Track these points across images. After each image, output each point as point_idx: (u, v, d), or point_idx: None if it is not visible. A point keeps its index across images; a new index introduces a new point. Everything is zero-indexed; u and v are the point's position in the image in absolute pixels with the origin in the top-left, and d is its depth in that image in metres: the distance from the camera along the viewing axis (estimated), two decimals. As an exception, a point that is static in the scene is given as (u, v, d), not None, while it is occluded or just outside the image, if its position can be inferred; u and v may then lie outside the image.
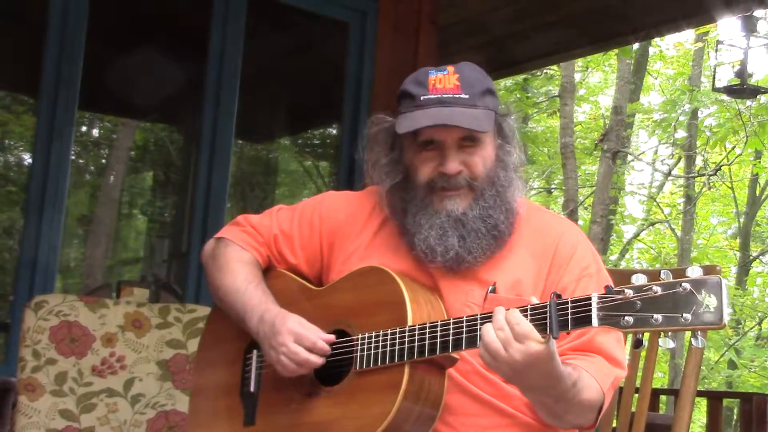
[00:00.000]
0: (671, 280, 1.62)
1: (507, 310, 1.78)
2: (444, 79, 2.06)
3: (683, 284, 1.60)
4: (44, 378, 2.87)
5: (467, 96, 2.04)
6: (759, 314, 16.86)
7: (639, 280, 1.65)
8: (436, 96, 2.04)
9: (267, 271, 2.26)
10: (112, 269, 7.82)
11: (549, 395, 1.84)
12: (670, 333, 1.64)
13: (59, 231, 4.47)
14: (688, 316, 1.59)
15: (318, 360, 2.01)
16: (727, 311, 1.58)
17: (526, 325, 1.74)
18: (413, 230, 2.05)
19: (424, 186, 2.06)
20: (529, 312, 1.76)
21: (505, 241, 2.06)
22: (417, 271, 2.08)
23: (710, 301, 1.58)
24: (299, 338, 2.01)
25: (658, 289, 1.62)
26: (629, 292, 1.65)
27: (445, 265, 2.04)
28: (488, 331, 1.77)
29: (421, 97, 2.05)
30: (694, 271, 1.61)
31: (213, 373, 2.26)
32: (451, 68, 2.08)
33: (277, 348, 2.03)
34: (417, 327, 1.91)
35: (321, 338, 2.01)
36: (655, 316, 1.61)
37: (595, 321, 1.68)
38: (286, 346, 2.01)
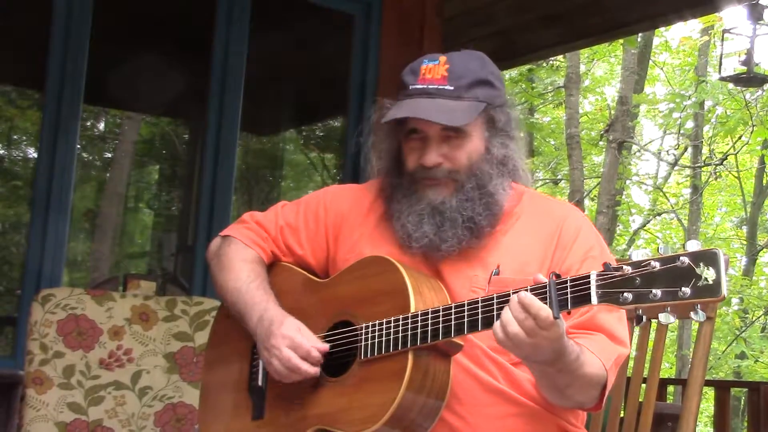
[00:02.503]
0: (669, 254, 1.61)
1: (515, 292, 1.77)
2: (433, 70, 2.08)
3: (681, 258, 1.59)
4: (52, 371, 2.88)
5: (452, 88, 2.05)
6: (766, 304, 16.83)
7: (638, 256, 1.65)
8: (422, 86, 2.07)
9: (272, 265, 2.26)
10: (119, 263, 7.83)
11: (552, 364, 1.83)
12: (669, 308, 1.63)
13: (65, 225, 4.48)
14: (686, 289, 1.58)
15: (310, 369, 2.00)
16: (725, 283, 1.57)
17: (546, 310, 1.72)
18: (395, 215, 2.09)
19: (408, 175, 2.09)
20: (528, 293, 1.75)
21: (483, 233, 2.06)
22: (421, 258, 2.08)
23: (709, 273, 1.57)
24: (293, 345, 2.01)
25: (656, 265, 1.61)
26: (628, 269, 1.64)
27: (421, 251, 2.05)
28: (510, 321, 1.74)
29: (410, 87, 2.08)
30: (693, 245, 1.60)
31: (222, 368, 2.27)
32: (443, 58, 2.09)
33: (270, 350, 2.03)
34: (419, 313, 1.91)
35: (316, 347, 2.01)
36: (654, 291, 1.61)
37: (594, 299, 1.68)
38: (279, 350, 2.01)
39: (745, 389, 7.66)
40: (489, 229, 2.07)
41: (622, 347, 1.99)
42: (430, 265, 2.08)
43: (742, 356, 15.67)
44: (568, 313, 1.77)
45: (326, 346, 2.02)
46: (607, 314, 1.98)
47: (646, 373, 2.46)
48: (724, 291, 1.56)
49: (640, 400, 2.43)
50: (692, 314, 1.62)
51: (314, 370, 2.01)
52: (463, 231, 2.04)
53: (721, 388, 5.99)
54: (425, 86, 2.06)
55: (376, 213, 2.19)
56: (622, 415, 2.49)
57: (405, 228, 2.06)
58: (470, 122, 2.05)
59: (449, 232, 2.04)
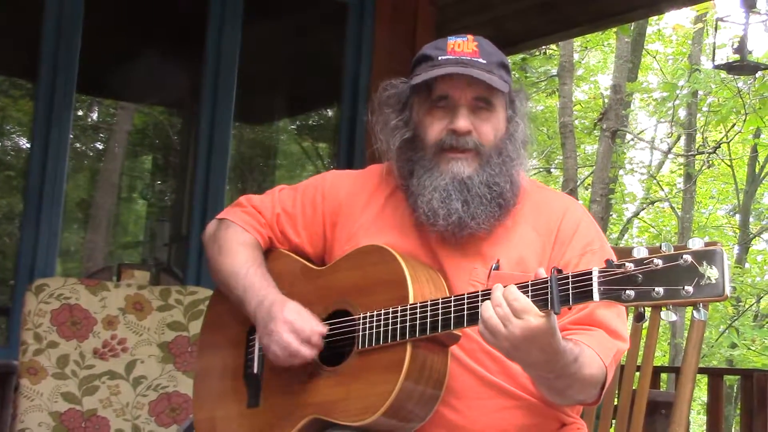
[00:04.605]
0: (672, 252, 1.60)
1: (505, 286, 1.77)
2: (463, 44, 2.06)
3: (684, 256, 1.58)
4: (46, 361, 2.88)
5: (485, 61, 2.04)
6: (758, 292, 16.88)
7: (640, 253, 1.64)
8: (454, 57, 2.04)
9: (269, 251, 2.24)
10: (113, 253, 7.81)
11: (550, 371, 1.82)
12: (671, 306, 1.62)
13: (59, 215, 4.48)
14: (689, 288, 1.57)
15: (310, 353, 1.99)
16: (728, 282, 1.56)
17: (523, 300, 1.72)
18: (417, 192, 2.04)
19: (432, 146, 2.05)
20: (530, 288, 1.74)
21: (509, 210, 2.05)
22: (421, 249, 2.07)
23: (711, 272, 1.56)
24: (294, 329, 1.99)
25: (659, 262, 1.60)
26: (630, 266, 1.63)
27: (447, 230, 2.02)
28: (487, 308, 1.76)
29: (439, 57, 2.05)
30: (695, 243, 1.59)
31: (216, 355, 2.25)
32: (470, 36, 2.08)
33: (271, 335, 2.01)
34: (418, 305, 1.90)
35: (317, 331, 2.00)
36: (656, 289, 1.60)
37: (596, 296, 1.66)
38: (279, 335, 1.99)
39: (738, 377, 7.67)
40: (512, 208, 2.06)
41: (621, 342, 1.99)
42: (432, 254, 2.06)
43: (733, 346, 15.73)
44: (569, 308, 1.76)
45: (325, 329, 2.01)
46: (606, 310, 1.97)
47: (639, 360, 2.46)
48: (727, 290, 1.56)
49: (634, 387, 2.44)
50: (694, 312, 1.61)
51: (313, 354, 2.00)
52: (492, 208, 2.02)
53: (714, 375, 5.99)
54: (458, 57, 2.04)
55: (378, 200, 2.17)
56: (615, 402, 2.50)
57: (431, 204, 2.02)
58: (506, 92, 2.06)
59: (478, 209, 2.01)
